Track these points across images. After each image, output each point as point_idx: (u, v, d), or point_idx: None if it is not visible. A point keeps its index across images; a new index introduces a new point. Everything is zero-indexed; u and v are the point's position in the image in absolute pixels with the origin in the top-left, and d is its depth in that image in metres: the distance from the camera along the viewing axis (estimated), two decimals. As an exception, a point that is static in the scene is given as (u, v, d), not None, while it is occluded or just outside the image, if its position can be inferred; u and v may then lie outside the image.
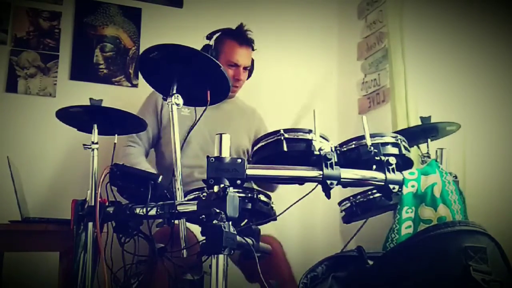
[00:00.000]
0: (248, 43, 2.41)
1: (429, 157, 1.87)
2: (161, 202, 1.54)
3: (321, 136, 1.53)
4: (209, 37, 2.37)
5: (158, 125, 2.37)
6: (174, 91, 1.58)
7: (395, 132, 1.72)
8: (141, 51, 2.76)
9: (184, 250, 1.64)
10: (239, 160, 1.41)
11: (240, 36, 2.40)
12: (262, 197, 1.63)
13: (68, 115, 1.80)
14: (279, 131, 1.53)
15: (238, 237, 1.38)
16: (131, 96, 2.74)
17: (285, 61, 3.09)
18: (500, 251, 1.36)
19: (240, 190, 1.56)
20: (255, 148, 1.60)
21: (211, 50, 2.33)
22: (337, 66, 3.22)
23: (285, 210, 1.57)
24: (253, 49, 2.46)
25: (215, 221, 1.33)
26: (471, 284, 1.26)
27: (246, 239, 1.50)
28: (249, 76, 2.50)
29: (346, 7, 3.17)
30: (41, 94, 2.65)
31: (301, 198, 1.52)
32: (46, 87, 2.66)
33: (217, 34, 2.39)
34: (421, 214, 1.55)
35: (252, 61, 2.47)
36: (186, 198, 1.62)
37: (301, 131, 1.53)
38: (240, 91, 2.51)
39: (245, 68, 2.41)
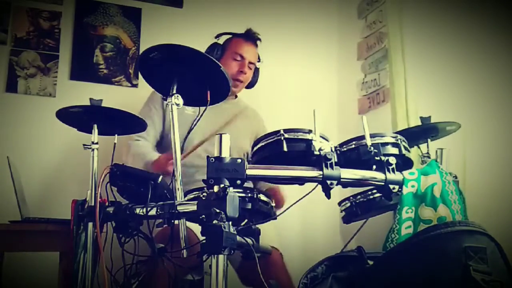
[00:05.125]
0: (254, 41, 2.46)
1: (429, 157, 1.87)
2: (161, 202, 1.54)
3: (321, 136, 1.53)
4: (217, 37, 2.43)
5: (163, 121, 2.38)
6: (174, 91, 1.58)
7: (395, 132, 1.72)
8: (141, 51, 2.77)
9: (184, 250, 1.64)
10: (239, 160, 1.41)
11: (247, 35, 2.46)
12: (262, 197, 1.63)
13: (68, 115, 1.80)
14: (279, 131, 1.53)
15: (238, 237, 1.38)
16: (131, 96, 2.74)
17: (285, 61, 3.09)
18: (500, 251, 1.36)
19: (240, 190, 1.56)
20: (255, 149, 1.60)
21: (218, 47, 2.39)
22: (337, 66, 3.22)
23: (285, 210, 1.57)
24: (259, 59, 2.49)
25: (215, 221, 1.33)
26: (471, 284, 1.26)
27: (246, 239, 1.50)
28: (252, 85, 2.51)
29: (346, 7, 3.17)
30: (41, 94, 2.65)
31: (301, 198, 1.52)
32: (46, 87, 2.66)
33: (227, 36, 2.45)
34: (421, 214, 1.55)
35: (257, 70, 2.49)
36: (186, 198, 1.62)
37: (301, 131, 1.53)
38: (243, 87, 2.51)
39: (250, 65, 2.42)
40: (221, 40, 2.44)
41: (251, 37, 2.45)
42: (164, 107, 2.37)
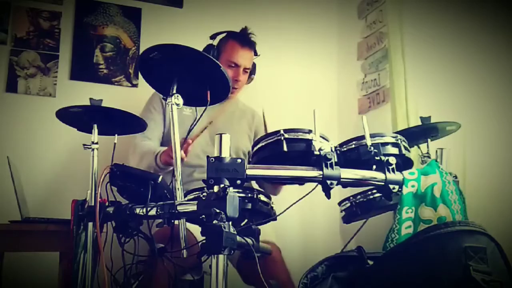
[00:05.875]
0: (250, 45, 2.41)
1: (429, 157, 1.87)
2: (161, 202, 1.54)
3: (321, 136, 1.53)
4: (213, 37, 2.39)
5: (164, 121, 2.37)
6: (174, 91, 1.58)
7: (395, 132, 1.72)
8: (141, 51, 2.77)
9: (184, 250, 1.64)
10: (239, 160, 1.41)
11: (242, 38, 2.41)
12: (262, 197, 1.63)
13: (68, 115, 1.80)
14: (279, 131, 1.53)
15: (238, 237, 1.38)
16: (131, 96, 2.74)
17: (285, 61, 3.09)
18: (500, 251, 1.36)
19: (240, 190, 1.56)
20: (255, 149, 1.60)
21: (213, 49, 2.35)
22: (337, 66, 3.22)
23: (285, 210, 1.57)
24: (256, 54, 2.45)
25: (215, 221, 1.33)
26: (471, 284, 1.26)
27: (246, 239, 1.50)
28: (250, 80, 2.50)
29: (346, 7, 3.17)
30: (41, 94, 2.65)
31: (301, 198, 1.52)
32: (46, 87, 2.66)
33: (222, 36, 2.40)
34: (421, 214, 1.55)
35: (254, 66, 2.48)
36: (186, 198, 1.62)
37: (301, 131, 1.53)
38: (240, 90, 2.51)
39: (245, 70, 2.40)
40: (216, 40, 2.40)
41: (246, 40, 2.40)
42: (164, 108, 2.36)
